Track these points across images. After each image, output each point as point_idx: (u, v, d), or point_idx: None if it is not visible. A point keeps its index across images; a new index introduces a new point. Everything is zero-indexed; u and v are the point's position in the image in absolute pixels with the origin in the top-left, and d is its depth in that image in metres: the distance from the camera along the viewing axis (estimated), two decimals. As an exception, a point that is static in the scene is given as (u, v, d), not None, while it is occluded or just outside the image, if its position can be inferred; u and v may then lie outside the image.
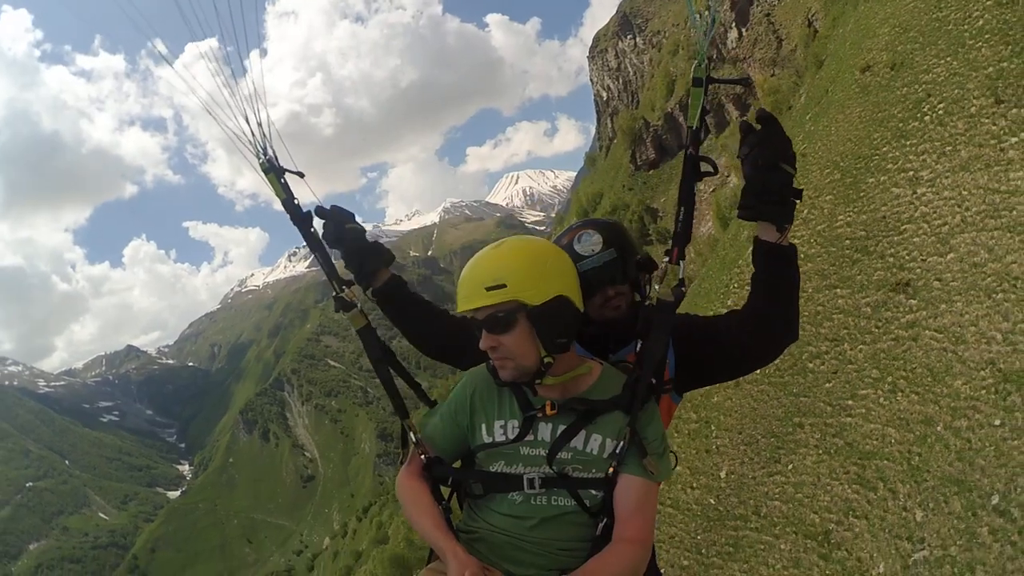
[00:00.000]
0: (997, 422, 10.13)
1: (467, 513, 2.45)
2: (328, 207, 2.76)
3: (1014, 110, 16.41)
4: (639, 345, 2.42)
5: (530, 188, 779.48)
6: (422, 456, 2.44)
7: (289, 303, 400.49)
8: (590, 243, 2.66)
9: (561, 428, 2.27)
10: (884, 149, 22.12)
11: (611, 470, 2.23)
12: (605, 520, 2.25)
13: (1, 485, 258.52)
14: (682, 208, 2.41)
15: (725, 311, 2.74)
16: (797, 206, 2.36)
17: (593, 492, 2.25)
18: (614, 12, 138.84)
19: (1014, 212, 13.61)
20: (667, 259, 2.42)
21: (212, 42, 2.49)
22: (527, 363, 2.22)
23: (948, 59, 23.18)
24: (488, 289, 2.17)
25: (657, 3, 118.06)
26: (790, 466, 14.18)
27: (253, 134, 2.65)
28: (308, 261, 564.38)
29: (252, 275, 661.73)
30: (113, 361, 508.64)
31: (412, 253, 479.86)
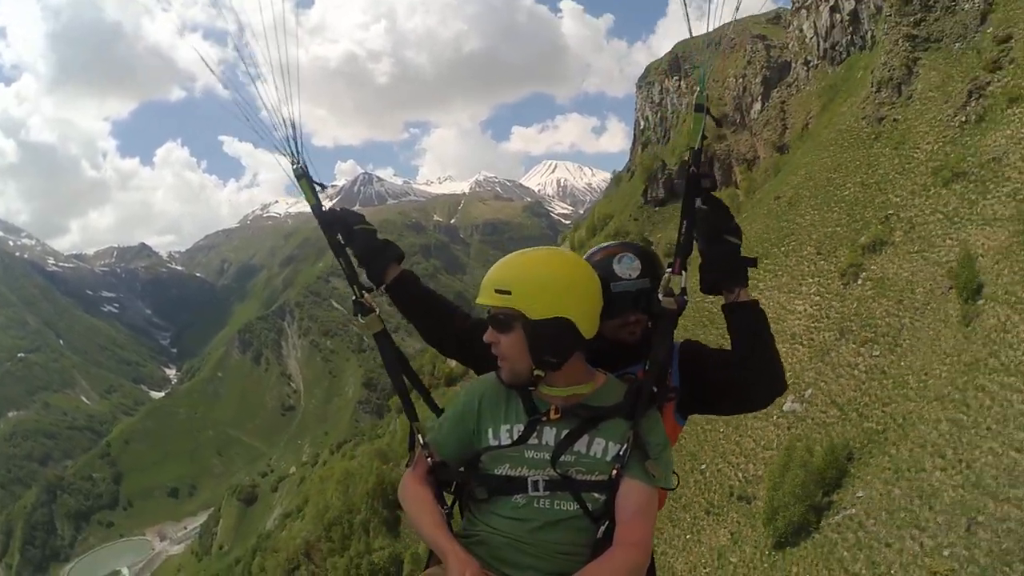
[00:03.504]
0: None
1: (467, 519, 2.50)
2: (339, 209, 2.85)
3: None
4: (647, 364, 2.56)
5: (565, 180, 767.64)
6: (428, 460, 2.49)
7: (307, 238, 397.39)
8: (630, 267, 2.73)
9: (565, 432, 2.33)
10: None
11: (614, 472, 2.29)
12: (607, 523, 2.30)
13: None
14: (684, 221, 2.61)
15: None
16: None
17: (596, 495, 2.31)
18: (669, 48, 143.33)
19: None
20: (670, 269, 2.61)
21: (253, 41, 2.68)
22: (519, 368, 2.32)
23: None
24: (496, 291, 2.30)
25: (707, 55, 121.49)
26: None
27: (289, 139, 2.76)
28: (334, 201, 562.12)
29: (276, 202, 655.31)
30: (124, 255, 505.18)
31: (436, 217, 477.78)
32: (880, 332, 34.28)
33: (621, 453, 2.28)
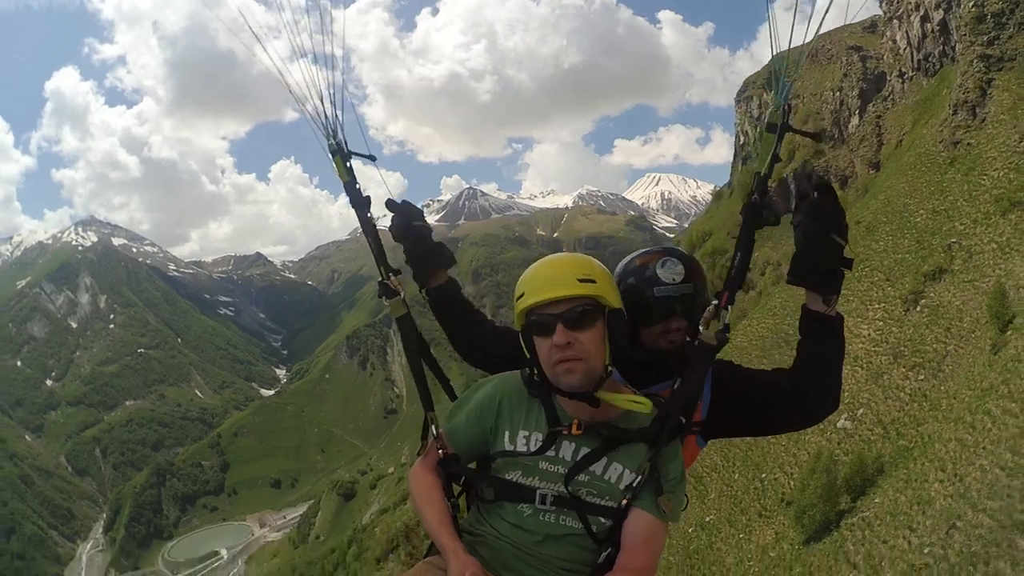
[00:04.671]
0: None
1: (474, 515, 2.47)
2: (400, 202, 2.81)
3: None
4: (677, 383, 2.43)
5: (669, 192, 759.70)
6: (440, 451, 2.47)
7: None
8: (673, 271, 2.64)
9: (584, 450, 2.27)
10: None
11: (624, 502, 2.24)
12: (609, 550, 2.27)
13: (115, 345, 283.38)
14: (738, 254, 2.44)
15: (771, 367, 2.72)
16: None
17: (602, 520, 2.27)
18: (766, 63, 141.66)
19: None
20: (716, 302, 2.41)
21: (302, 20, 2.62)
22: (597, 365, 2.22)
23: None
24: (580, 280, 2.20)
25: (805, 66, 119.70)
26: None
27: (327, 115, 2.73)
28: (440, 215, 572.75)
29: (384, 215, 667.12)
30: (241, 263, 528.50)
31: (539, 232, 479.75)
32: (927, 357, 35.70)
33: (634, 484, 2.24)
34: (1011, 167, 46.19)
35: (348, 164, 2.75)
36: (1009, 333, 29.73)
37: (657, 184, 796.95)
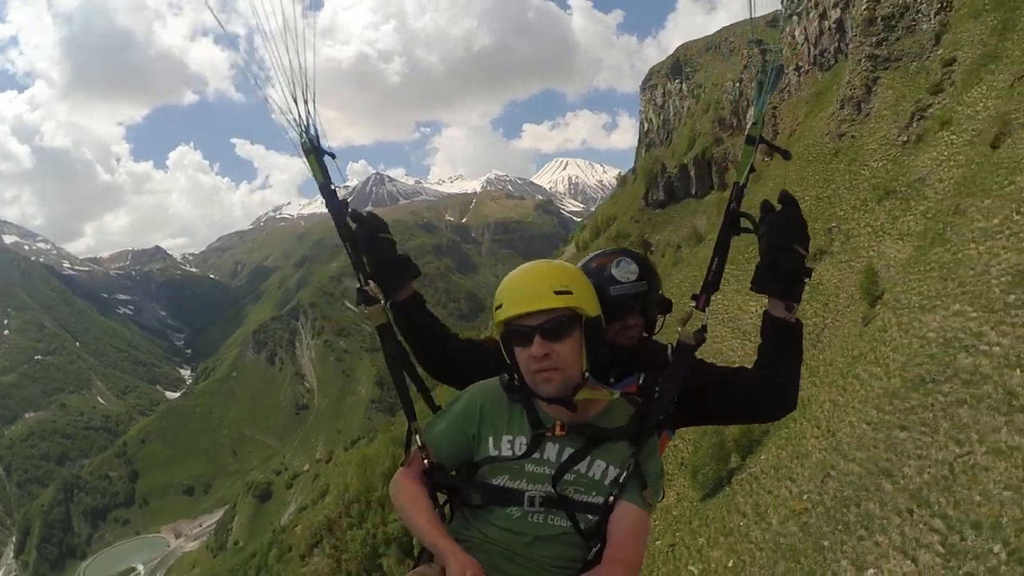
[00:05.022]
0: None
1: (459, 521, 2.46)
2: (365, 213, 2.74)
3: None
4: (641, 378, 2.65)
5: (576, 177, 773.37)
6: (424, 460, 2.44)
7: (321, 239, 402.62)
8: (627, 270, 2.76)
9: (568, 450, 2.31)
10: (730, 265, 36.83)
11: (611, 497, 2.29)
12: (598, 545, 2.29)
13: (11, 353, 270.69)
14: (716, 259, 2.52)
15: (736, 365, 2.82)
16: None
17: (589, 516, 2.30)
18: (670, 53, 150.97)
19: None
20: (694, 304, 2.51)
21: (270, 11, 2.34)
22: (573, 373, 2.26)
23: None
24: (557, 292, 2.23)
25: (707, 57, 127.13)
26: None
27: (299, 112, 2.58)
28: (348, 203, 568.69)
29: (289, 203, 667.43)
30: (139, 258, 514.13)
31: (447, 217, 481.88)
32: (807, 330, 38.24)
33: (620, 479, 2.30)
34: (889, 159, 50.08)
35: (322, 163, 2.66)
36: (877, 307, 32.78)
37: (565, 169, 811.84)
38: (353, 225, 2.69)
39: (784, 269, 2.44)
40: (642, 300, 2.78)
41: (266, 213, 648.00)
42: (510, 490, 2.32)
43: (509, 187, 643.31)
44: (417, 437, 2.48)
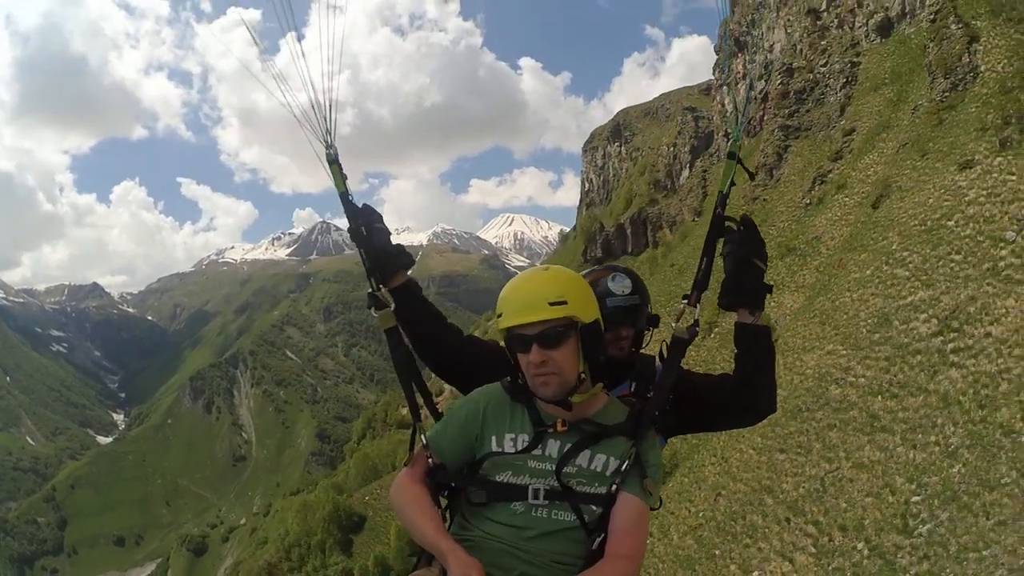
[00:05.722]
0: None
1: (459, 523, 2.49)
2: (360, 205, 2.84)
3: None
4: (632, 386, 2.81)
5: (522, 233, 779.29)
6: (429, 460, 2.49)
7: (263, 286, 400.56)
8: (623, 285, 2.92)
9: (569, 446, 2.37)
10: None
11: (613, 487, 2.35)
12: (602, 536, 2.34)
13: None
14: (704, 259, 2.74)
15: (719, 372, 3.03)
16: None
17: (593, 508, 2.35)
18: (611, 117, 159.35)
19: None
20: (686, 301, 2.73)
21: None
22: (570, 378, 2.34)
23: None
24: (551, 304, 2.30)
25: (646, 122, 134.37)
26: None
27: (326, 127, 2.74)
28: (291, 249, 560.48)
29: (232, 247, 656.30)
30: (76, 293, 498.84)
31: None
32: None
33: (622, 469, 2.36)
34: (793, 219, 54.83)
35: (343, 174, 2.79)
36: (774, 352, 37.50)
37: (511, 224, 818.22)
38: (364, 232, 2.82)
39: (747, 281, 2.71)
40: (634, 313, 2.95)
41: (209, 256, 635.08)
42: (513, 485, 2.37)
43: (455, 241, 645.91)
44: (422, 437, 2.54)
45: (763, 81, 77.18)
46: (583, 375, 2.37)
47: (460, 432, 2.49)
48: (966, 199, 30.53)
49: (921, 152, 39.42)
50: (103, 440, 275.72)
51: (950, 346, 24.26)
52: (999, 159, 31.07)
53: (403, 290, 2.87)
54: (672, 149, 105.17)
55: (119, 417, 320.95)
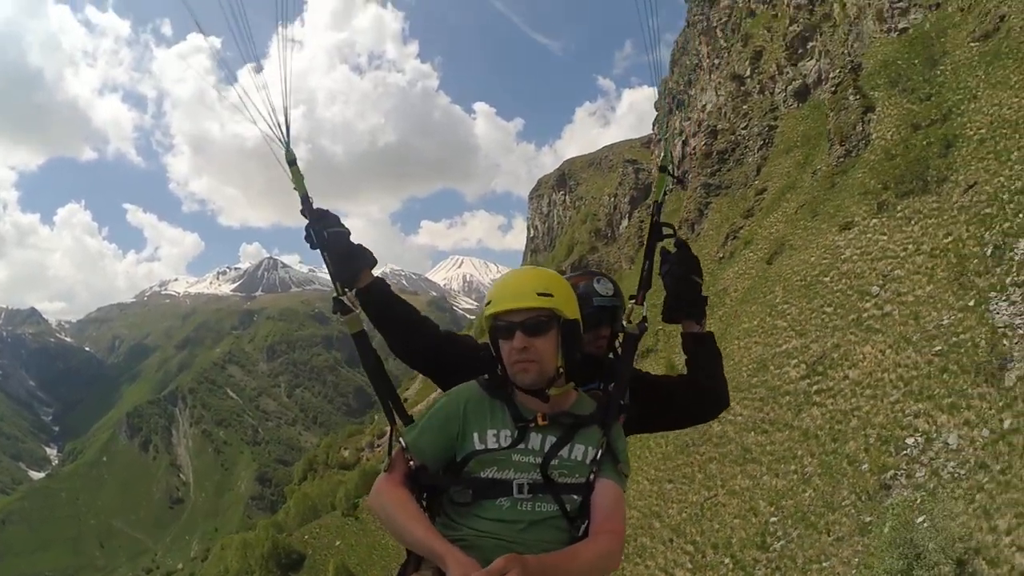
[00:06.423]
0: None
1: (442, 525, 2.46)
2: (314, 208, 2.84)
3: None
4: (601, 385, 2.87)
5: (471, 275, 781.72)
6: (410, 463, 2.50)
7: (205, 321, 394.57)
8: (607, 287, 3.07)
9: (551, 439, 2.46)
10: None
11: (591, 475, 2.45)
12: (585, 523, 2.43)
13: None
14: (647, 262, 3.02)
15: (676, 374, 3.18)
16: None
17: (575, 497, 2.43)
18: (558, 166, 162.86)
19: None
20: (633, 301, 2.97)
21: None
22: (549, 368, 2.44)
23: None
24: (539, 294, 2.43)
25: (589, 173, 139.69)
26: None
27: (285, 127, 2.77)
28: (236, 284, 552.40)
29: (176, 280, 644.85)
30: (13, 318, 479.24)
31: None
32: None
33: (597, 458, 2.46)
34: (707, 272, 54.24)
35: (300, 175, 2.81)
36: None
37: (460, 267, 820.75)
38: (326, 234, 2.83)
39: (685, 295, 3.00)
40: (614, 314, 3.08)
41: (151, 287, 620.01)
42: (499, 481, 2.42)
43: (404, 282, 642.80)
44: (400, 440, 2.55)
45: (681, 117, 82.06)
46: (560, 369, 2.47)
47: (441, 431, 2.51)
48: (842, 257, 34.14)
49: (813, 213, 43.11)
50: (35, 475, 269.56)
51: (814, 388, 27.89)
52: (874, 220, 34.57)
53: (372, 290, 2.91)
54: (613, 199, 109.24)
55: (52, 451, 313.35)
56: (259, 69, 2.63)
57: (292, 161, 2.81)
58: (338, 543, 69.63)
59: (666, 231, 3.04)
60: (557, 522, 2.42)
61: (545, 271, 2.60)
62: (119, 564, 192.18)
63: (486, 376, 2.60)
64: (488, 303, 2.52)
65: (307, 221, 2.84)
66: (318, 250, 2.83)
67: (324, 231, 2.82)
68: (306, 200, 2.83)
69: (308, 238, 2.83)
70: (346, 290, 2.81)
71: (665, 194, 3.13)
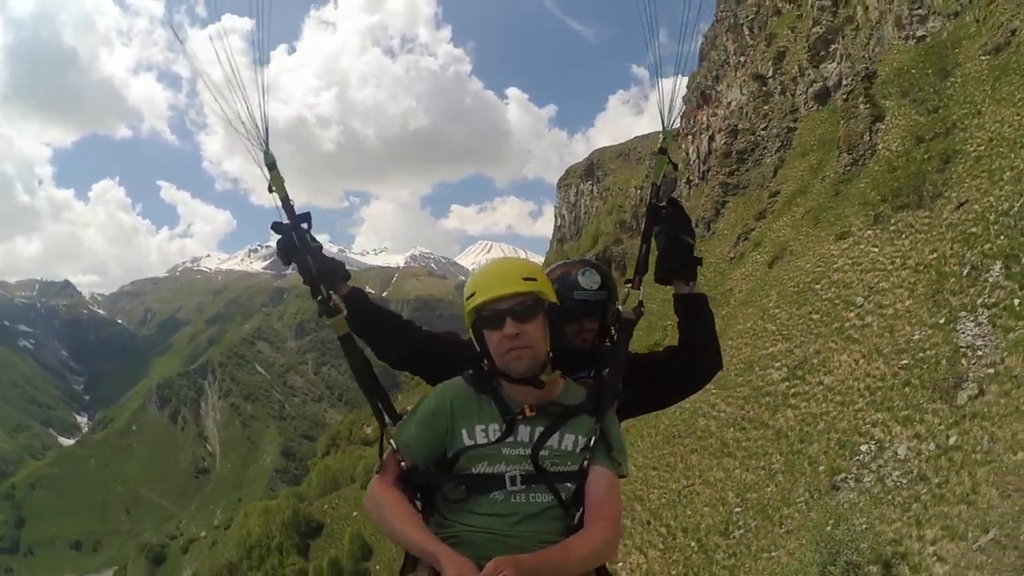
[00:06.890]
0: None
1: (436, 524, 2.45)
2: (286, 222, 2.72)
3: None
4: (591, 373, 2.78)
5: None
6: (401, 464, 2.46)
7: (236, 297, 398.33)
8: (592, 280, 2.93)
9: (539, 429, 2.42)
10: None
11: (584, 462, 2.41)
12: (580, 511, 2.40)
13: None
14: (644, 246, 2.90)
15: (662, 349, 3.07)
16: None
17: (568, 485, 2.41)
18: (586, 155, 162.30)
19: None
20: (629, 285, 2.85)
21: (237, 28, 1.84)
22: (541, 353, 2.42)
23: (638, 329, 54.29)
24: (524, 279, 2.42)
25: (618, 163, 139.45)
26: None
27: (262, 128, 2.63)
28: (267, 263, 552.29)
29: (208, 256, 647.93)
30: (47, 289, 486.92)
31: (368, 288, 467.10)
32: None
33: (589, 445, 2.43)
34: (718, 272, 57.95)
35: (280, 177, 2.70)
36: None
37: (489, 252, 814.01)
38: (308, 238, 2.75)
39: (677, 254, 2.89)
40: (600, 308, 2.96)
41: (183, 263, 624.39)
42: (490, 475, 2.40)
43: (433, 265, 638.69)
44: (391, 442, 2.53)
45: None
46: (550, 354, 2.47)
47: (429, 429, 2.49)
48: (834, 266, 35.15)
49: (815, 220, 43.98)
50: (65, 441, 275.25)
51: (792, 391, 29.32)
52: (869, 232, 35.32)
53: (353, 299, 2.92)
54: (639, 192, 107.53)
55: (82, 419, 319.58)
56: (233, 66, 2.52)
57: (272, 164, 2.69)
58: (355, 514, 71.49)
59: (668, 210, 2.95)
60: (553, 512, 2.41)
61: (522, 259, 2.73)
62: (144, 529, 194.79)
63: (470, 371, 2.57)
64: (471, 296, 2.48)
65: (282, 228, 2.73)
66: (292, 262, 2.75)
67: (304, 236, 2.75)
68: (287, 202, 2.71)
69: (287, 245, 2.73)
70: (330, 292, 2.74)
71: (664, 177, 3.02)
